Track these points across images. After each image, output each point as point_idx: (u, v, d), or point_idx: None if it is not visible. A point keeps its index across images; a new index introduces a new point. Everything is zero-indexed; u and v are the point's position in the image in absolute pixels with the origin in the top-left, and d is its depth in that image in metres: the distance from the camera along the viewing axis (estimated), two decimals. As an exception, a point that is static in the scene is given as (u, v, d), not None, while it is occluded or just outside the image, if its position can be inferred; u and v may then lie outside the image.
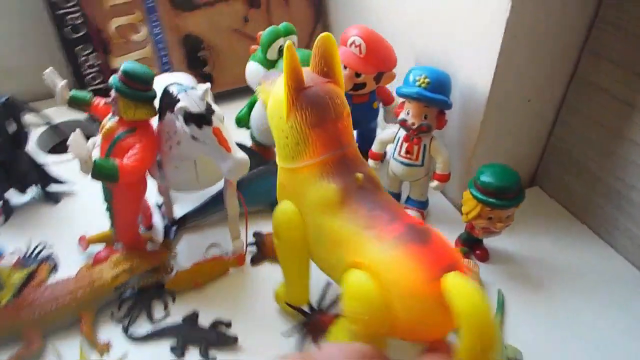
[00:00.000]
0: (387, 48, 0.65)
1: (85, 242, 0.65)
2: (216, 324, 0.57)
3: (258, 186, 0.66)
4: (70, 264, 0.63)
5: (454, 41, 0.61)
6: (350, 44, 0.64)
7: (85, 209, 0.73)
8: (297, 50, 0.67)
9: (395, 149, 0.64)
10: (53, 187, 0.75)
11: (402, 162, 0.64)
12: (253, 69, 0.70)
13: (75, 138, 0.46)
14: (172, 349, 0.55)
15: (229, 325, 0.57)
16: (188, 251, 0.66)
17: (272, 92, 0.50)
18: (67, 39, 0.80)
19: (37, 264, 0.62)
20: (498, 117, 0.62)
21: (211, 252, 0.66)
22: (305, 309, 0.57)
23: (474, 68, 0.59)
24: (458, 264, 0.40)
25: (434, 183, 0.64)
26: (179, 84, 0.49)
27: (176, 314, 0.59)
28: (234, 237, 0.64)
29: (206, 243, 0.68)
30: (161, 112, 0.51)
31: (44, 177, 0.74)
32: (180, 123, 0.46)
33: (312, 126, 0.46)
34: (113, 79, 0.50)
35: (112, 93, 0.51)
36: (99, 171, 0.47)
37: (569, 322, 0.56)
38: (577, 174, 0.67)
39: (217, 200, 0.69)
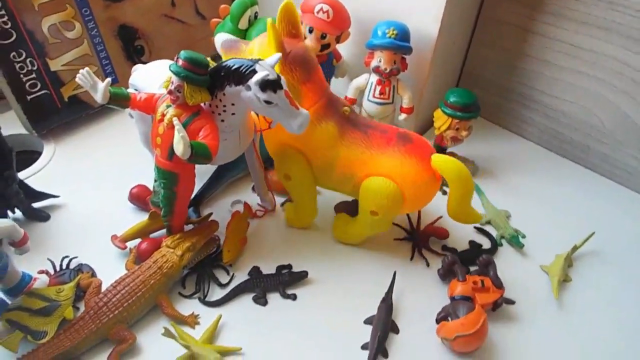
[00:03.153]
0: (346, 10, 0.76)
1: (120, 240, 0.65)
2: (280, 269, 0.66)
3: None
4: (102, 267, 0.64)
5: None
6: (318, 11, 0.74)
7: (80, 216, 0.72)
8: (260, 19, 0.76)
9: (369, 92, 0.78)
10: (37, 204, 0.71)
11: (377, 102, 0.78)
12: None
13: (179, 128, 0.50)
14: (256, 300, 0.62)
15: (290, 267, 0.66)
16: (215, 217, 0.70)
17: None
18: (-3, 47, 0.73)
19: (75, 275, 0.62)
20: (439, 56, 0.80)
21: (236, 207, 0.73)
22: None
23: (422, 18, 0.75)
24: (432, 148, 0.61)
25: (403, 116, 0.79)
26: (234, 59, 0.54)
27: (238, 273, 0.65)
28: (265, 192, 0.72)
29: (225, 206, 0.74)
30: (214, 90, 0.55)
31: (32, 195, 0.69)
32: (252, 92, 0.52)
33: (303, 82, 0.59)
34: (176, 68, 0.52)
35: (175, 81, 0.53)
36: (197, 152, 0.51)
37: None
38: (487, 89, 0.90)
39: (224, 169, 0.75)
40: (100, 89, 0.55)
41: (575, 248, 0.68)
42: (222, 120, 0.57)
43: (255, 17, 0.76)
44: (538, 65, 0.82)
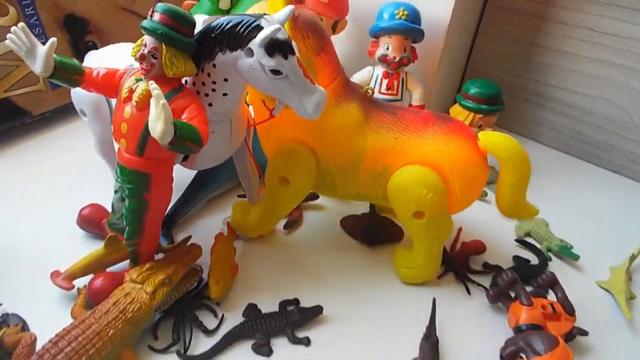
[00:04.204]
0: (345, -6, 0.66)
1: (65, 278, 0.48)
2: (284, 305, 0.51)
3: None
4: (37, 317, 0.47)
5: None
6: (314, -10, 0.63)
7: (6, 250, 0.55)
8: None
9: (374, 87, 0.66)
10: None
11: (384, 99, 0.66)
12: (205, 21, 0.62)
13: (159, 93, 0.34)
14: (256, 349, 0.47)
15: (297, 301, 0.51)
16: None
17: None
18: None
19: (-3, 330, 0.44)
20: (450, 46, 0.70)
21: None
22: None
23: (431, 2, 0.65)
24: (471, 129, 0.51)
25: (412, 115, 0.68)
26: (229, 16, 0.40)
27: (229, 315, 0.50)
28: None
29: (206, 229, 0.59)
30: (200, 61, 0.41)
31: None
32: (255, 59, 0.38)
33: (317, 52, 0.47)
34: (151, 24, 0.38)
35: (149, 43, 0.38)
36: (182, 133, 0.36)
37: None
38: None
39: (201, 182, 0.60)
40: (41, 54, 0.40)
41: (633, 257, 0.57)
42: (210, 105, 0.43)
43: (238, -5, 0.64)
44: (554, 57, 0.74)
